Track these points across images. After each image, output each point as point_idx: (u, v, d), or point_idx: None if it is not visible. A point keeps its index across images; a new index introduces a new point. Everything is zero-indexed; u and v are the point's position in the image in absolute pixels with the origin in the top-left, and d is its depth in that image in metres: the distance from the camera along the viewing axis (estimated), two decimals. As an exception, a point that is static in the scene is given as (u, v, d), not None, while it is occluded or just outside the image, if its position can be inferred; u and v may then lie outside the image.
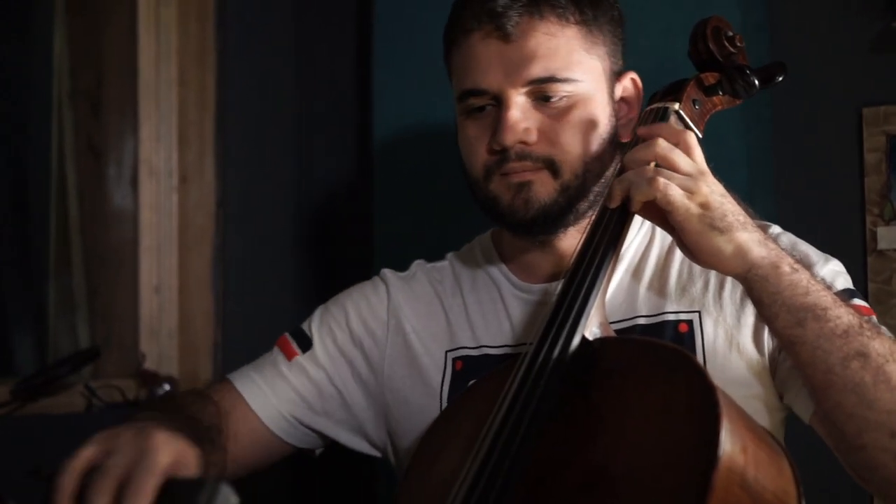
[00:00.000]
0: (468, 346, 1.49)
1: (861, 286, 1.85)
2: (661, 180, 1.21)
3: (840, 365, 1.18)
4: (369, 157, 2.18)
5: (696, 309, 1.39)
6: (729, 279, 1.39)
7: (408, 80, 2.08)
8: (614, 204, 1.28)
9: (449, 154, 1.97)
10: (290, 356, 1.55)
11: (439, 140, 2.09)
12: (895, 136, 1.87)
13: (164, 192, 2.20)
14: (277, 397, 1.53)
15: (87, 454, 1.08)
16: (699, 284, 1.41)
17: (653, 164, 1.24)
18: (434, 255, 1.66)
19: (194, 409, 1.44)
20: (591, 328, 1.24)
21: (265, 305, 2.23)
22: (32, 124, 2.33)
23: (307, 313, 2.24)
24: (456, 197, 2.06)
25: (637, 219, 1.47)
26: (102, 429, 1.91)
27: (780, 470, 1.12)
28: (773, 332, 1.24)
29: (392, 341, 1.54)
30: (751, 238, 1.22)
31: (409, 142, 2.11)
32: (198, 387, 2.13)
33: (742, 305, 1.38)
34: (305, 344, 1.56)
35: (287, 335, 1.58)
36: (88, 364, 1.99)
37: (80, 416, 1.93)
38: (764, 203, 1.88)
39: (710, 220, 1.20)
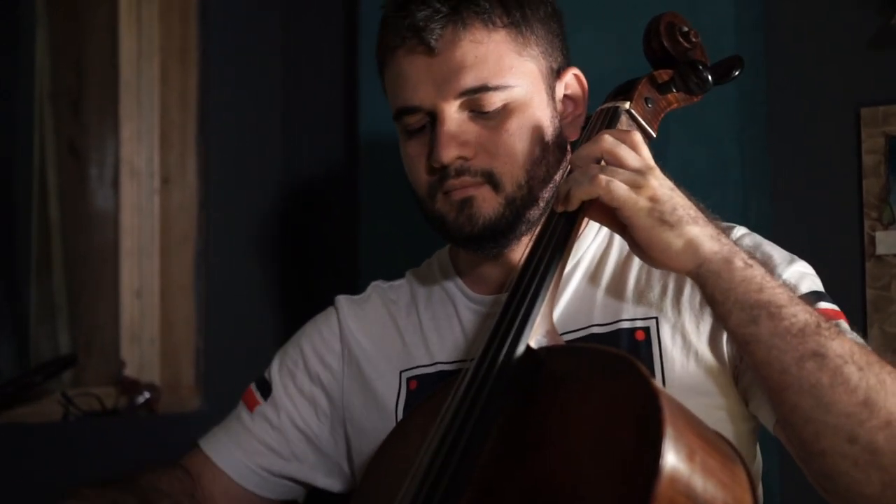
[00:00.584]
0: (423, 363, 1.44)
1: (859, 292, 1.80)
2: (603, 177, 1.16)
3: (795, 365, 1.13)
4: (355, 157, 2.14)
5: (654, 315, 1.34)
6: (688, 285, 1.34)
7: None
8: (561, 207, 1.23)
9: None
10: (251, 407, 1.52)
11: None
12: (894, 137, 1.82)
13: (145, 193, 2.15)
14: (243, 451, 1.49)
15: None
16: (657, 289, 1.36)
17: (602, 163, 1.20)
18: (419, 256, 1.62)
19: (148, 481, 1.41)
20: (536, 337, 1.19)
21: (249, 310, 2.19)
22: (13, 125, 2.28)
23: (291, 319, 2.21)
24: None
25: (595, 224, 1.43)
26: (78, 438, 1.88)
27: (733, 477, 1.07)
28: (727, 331, 1.19)
29: (348, 371, 1.51)
30: (702, 232, 1.17)
31: (396, 142, 2.06)
32: (179, 395, 2.09)
33: (701, 311, 1.32)
34: (266, 391, 1.53)
35: (252, 386, 1.55)
36: (64, 372, 1.95)
37: (56, 425, 1.89)
38: (760, 205, 1.84)
39: (658, 213, 1.15)
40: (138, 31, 2.15)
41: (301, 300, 2.23)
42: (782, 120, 1.90)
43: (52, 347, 2.20)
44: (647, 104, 1.36)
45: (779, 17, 1.90)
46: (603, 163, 1.20)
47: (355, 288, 1.98)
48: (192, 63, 2.14)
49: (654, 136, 1.35)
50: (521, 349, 1.17)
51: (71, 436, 1.90)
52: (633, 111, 1.33)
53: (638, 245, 1.20)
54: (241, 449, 1.50)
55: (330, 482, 1.52)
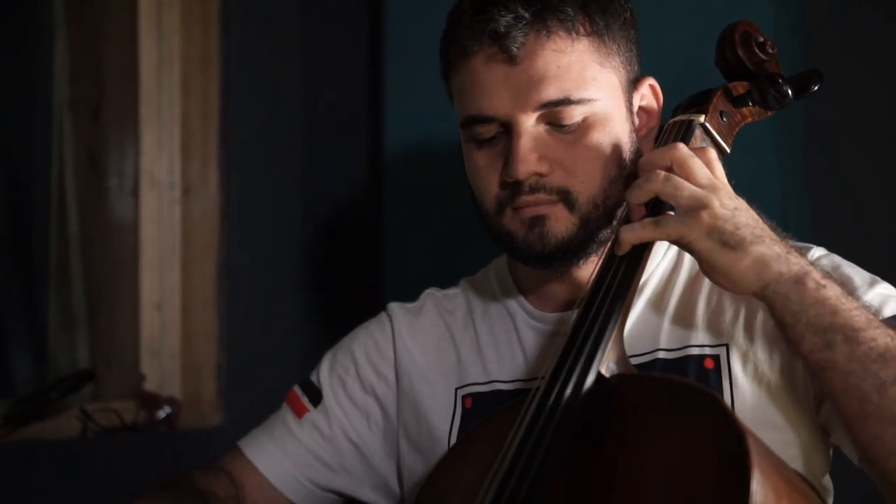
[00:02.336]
0: (478, 381, 1.38)
1: (902, 305, 1.74)
2: (649, 222, 1.13)
3: (876, 393, 1.06)
4: (379, 167, 2.09)
5: (724, 342, 1.26)
6: (761, 310, 1.25)
7: (420, 87, 1.98)
8: (618, 252, 1.18)
9: (462, 167, 1.89)
10: (300, 413, 1.45)
11: (453, 151, 2.00)
12: (938, 144, 1.76)
13: (166, 204, 2.11)
14: (291, 461, 1.43)
15: None
16: (728, 315, 1.28)
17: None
18: (445, 269, 1.57)
19: (205, 483, 1.36)
20: (607, 363, 1.13)
21: (271, 324, 2.15)
22: (32, 134, 2.25)
23: (314, 332, 2.17)
24: (469, 210, 1.98)
25: (662, 245, 1.37)
26: (97, 455, 1.84)
27: None
28: (800, 357, 1.12)
29: (402, 384, 1.44)
30: (768, 252, 1.11)
31: (421, 152, 2.02)
32: (200, 410, 2.05)
33: (775, 338, 1.23)
34: (315, 397, 1.45)
35: (296, 388, 1.47)
36: (81, 388, 1.91)
37: (74, 441, 1.84)
38: (798, 217, 1.78)
39: (718, 234, 1.10)
40: (159, 39, 2.11)
41: (325, 313, 2.19)
42: (821, 128, 1.84)
43: (70, 360, 2.16)
44: (721, 118, 1.29)
45: (818, 21, 1.84)
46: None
47: (380, 300, 1.94)
48: (214, 71, 2.09)
49: (729, 151, 1.28)
50: (591, 378, 1.11)
51: (89, 452, 1.85)
52: (707, 125, 1.26)
53: (702, 267, 1.15)
54: (289, 459, 1.44)
55: (375, 496, 1.45)
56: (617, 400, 1.10)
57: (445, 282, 1.53)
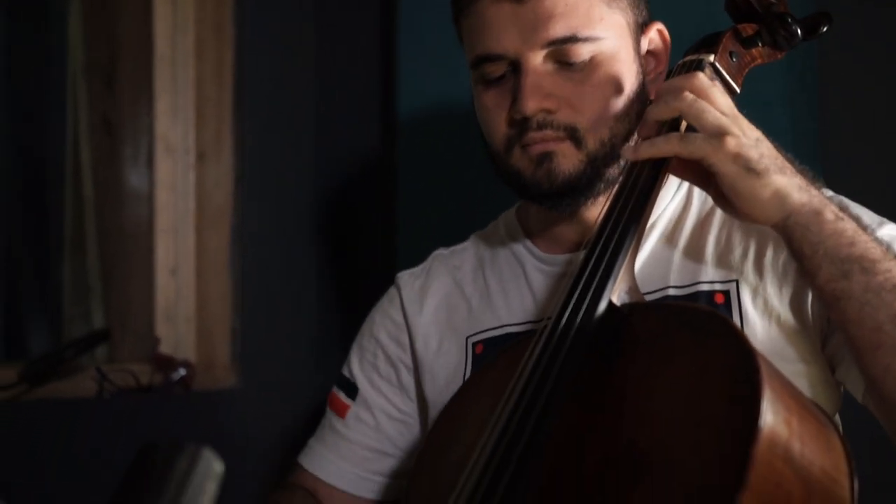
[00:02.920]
0: (490, 327, 1.39)
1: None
2: (675, 136, 1.13)
3: (890, 322, 1.08)
4: (393, 132, 2.09)
5: (734, 278, 1.28)
6: (770, 247, 1.28)
7: (433, 51, 1.99)
8: (645, 133, 1.19)
9: (476, 130, 1.89)
10: (342, 413, 1.48)
11: (466, 115, 2.01)
12: (953, 104, 1.76)
13: (180, 169, 2.12)
14: (349, 461, 1.46)
15: None
16: (738, 252, 1.30)
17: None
18: (458, 232, 1.57)
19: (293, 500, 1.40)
20: (618, 293, 1.14)
21: (285, 288, 2.15)
22: (47, 102, 2.26)
23: (327, 297, 2.17)
24: (482, 174, 1.97)
25: (672, 184, 1.39)
26: (113, 414, 1.84)
27: (828, 444, 1.02)
28: (815, 288, 1.14)
29: (416, 346, 1.46)
30: (790, 183, 1.12)
31: (434, 116, 2.02)
32: (214, 373, 2.05)
33: (784, 274, 1.27)
34: (352, 391, 1.48)
35: (334, 389, 1.51)
36: (97, 346, 1.92)
37: (90, 401, 1.85)
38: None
39: (744, 161, 1.11)
40: (173, 4, 2.11)
41: (338, 278, 2.19)
42: (832, 87, 1.84)
43: (85, 326, 2.17)
44: (731, 58, 1.30)
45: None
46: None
47: (393, 264, 1.94)
48: (228, 36, 2.09)
49: (738, 91, 1.29)
50: (602, 305, 1.12)
51: (105, 411, 1.86)
52: (717, 64, 1.27)
53: (723, 196, 1.15)
54: (346, 460, 1.46)
55: None
56: (627, 328, 1.11)
57: (457, 242, 1.54)
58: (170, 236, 2.11)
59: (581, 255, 1.21)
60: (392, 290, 1.53)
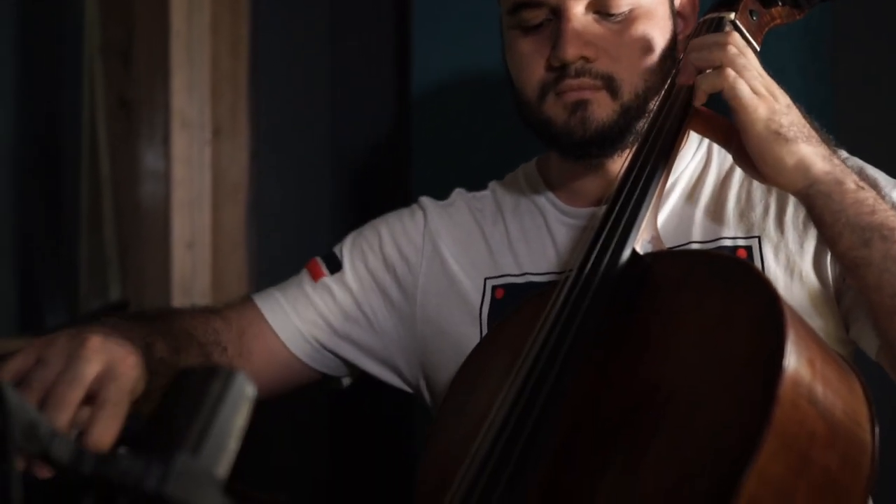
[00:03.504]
0: (511, 273, 1.41)
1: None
2: (731, 72, 1.14)
3: None
4: (407, 106, 2.10)
5: (756, 234, 1.31)
6: (791, 204, 1.30)
7: (448, 25, 2.00)
8: (685, 79, 1.21)
9: (491, 102, 1.90)
10: (316, 277, 1.48)
11: (481, 89, 2.02)
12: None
13: (196, 145, 2.13)
14: (299, 317, 1.46)
15: (15, 364, 1.01)
16: (759, 209, 1.33)
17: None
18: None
19: (185, 324, 1.36)
20: (641, 242, 1.16)
21: (300, 263, 2.16)
22: (63, 80, 2.28)
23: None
24: (496, 148, 1.99)
25: (692, 145, 1.40)
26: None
27: (850, 388, 1.04)
28: (836, 254, 1.16)
29: (427, 268, 1.46)
30: (815, 152, 1.15)
31: (449, 90, 2.03)
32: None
33: (805, 231, 1.29)
34: (334, 266, 1.49)
35: (317, 258, 1.51)
36: (116, 316, 1.93)
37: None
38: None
39: (776, 125, 1.13)
40: (189, -20, 2.13)
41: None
42: (847, 56, 1.84)
43: (102, 302, 2.18)
44: (751, 17, 1.32)
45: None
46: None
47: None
48: (244, 12, 2.11)
49: (758, 49, 1.31)
50: (626, 254, 1.14)
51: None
52: (737, 22, 1.30)
53: (746, 158, 1.17)
54: (297, 315, 1.46)
55: (378, 370, 1.49)
56: (651, 277, 1.12)
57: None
58: (186, 211, 2.12)
59: (604, 208, 1.23)
60: (415, 207, 1.53)
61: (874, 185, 1.21)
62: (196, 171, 2.13)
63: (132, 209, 2.15)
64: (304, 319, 1.46)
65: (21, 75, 2.27)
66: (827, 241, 1.17)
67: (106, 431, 0.96)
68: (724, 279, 1.08)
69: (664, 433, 1.00)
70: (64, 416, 0.95)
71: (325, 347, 1.47)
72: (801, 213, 1.29)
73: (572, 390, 1.06)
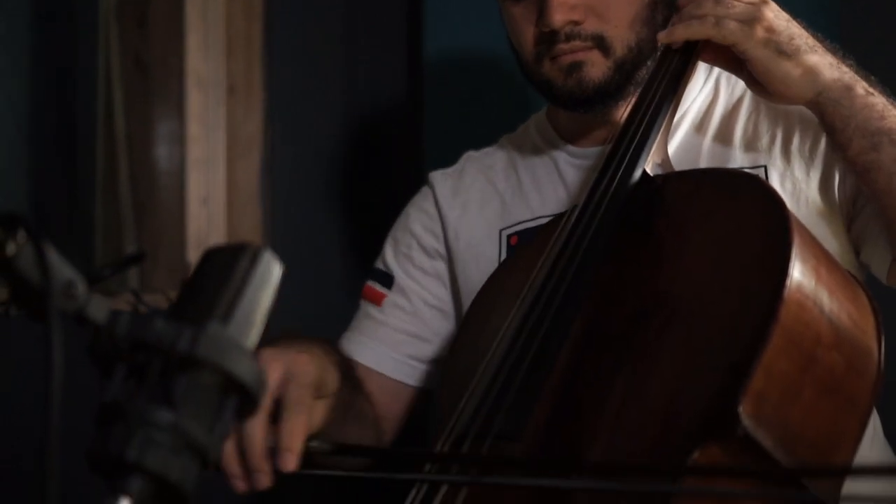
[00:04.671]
0: (524, 219, 1.44)
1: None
2: (710, 18, 1.17)
3: None
4: (420, 62, 2.13)
5: (762, 164, 1.33)
6: (797, 134, 1.33)
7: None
8: (665, 39, 1.25)
9: (503, 61, 1.92)
10: (378, 301, 1.51)
11: (492, 51, 2.04)
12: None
13: (211, 103, 2.15)
14: (385, 344, 1.48)
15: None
16: (765, 139, 1.35)
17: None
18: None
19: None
20: (651, 164, 1.18)
21: (314, 219, 2.19)
22: (79, 42, 2.30)
23: (355, 226, 2.21)
24: (509, 104, 2.01)
25: (699, 78, 1.42)
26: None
27: (855, 297, 1.06)
28: (846, 160, 1.19)
29: (449, 238, 1.50)
30: (821, 61, 1.18)
31: (461, 52, 2.06)
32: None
33: (811, 158, 1.32)
34: (387, 281, 1.51)
35: (368, 282, 1.54)
36: (132, 266, 1.95)
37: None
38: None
39: (775, 44, 1.16)
40: (203, -60, 2.15)
41: (365, 210, 2.23)
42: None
43: (117, 260, 2.20)
44: None
45: None
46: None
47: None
48: (257, -29, 2.14)
49: None
50: (637, 173, 1.16)
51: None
52: None
53: (755, 80, 1.19)
54: (383, 343, 1.49)
55: None
56: (661, 196, 1.15)
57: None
58: (201, 169, 2.15)
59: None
60: (425, 189, 1.57)
61: (883, 94, 1.23)
62: (210, 129, 2.16)
63: (147, 167, 2.18)
64: (392, 344, 1.49)
65: (36, 37, 2.29)
66: (837, 147, 1.20)
67: (294, 429, 1.02)
68: (732, 190, 1.11)
69: (674, 336, 1.03)
70: (258, 429, 1.00)
71: (420, 360, 1.49)
72: (808, 142, 1.31)
73: (584, 300, 1.09)
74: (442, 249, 1.51)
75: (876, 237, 1.25)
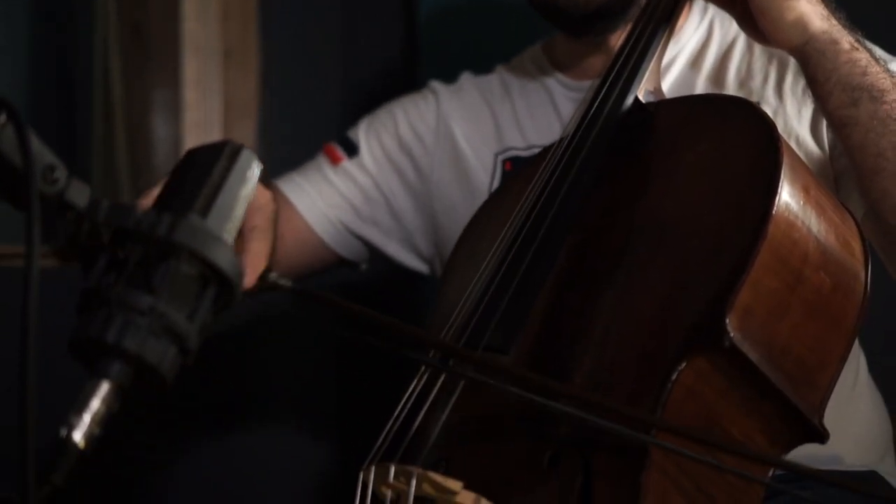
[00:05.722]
0: (517, 146, 1.45)
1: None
2: None
3: (892, 149, 1.14)
4: (415, 25, 2.14)
5: (755, 101, 1.34)
6: (790, 73, 1.35)
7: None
8: None
9: (498, 36, 1.94)
10: (335, 161, 1.52)
11: (489, 10, 2.05)
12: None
13: (207, 68, 2.17)
14: (324, 201, 1.50)
15: None
16: (759, 78, 1.38)
17: None
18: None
19: None
20: (644, 91, 1.19)
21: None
22: (76, 9, 2.31)
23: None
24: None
25: (695, 17, 1.44)
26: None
27: (843, 219, 1.07)
28: (825, 113, 1.20)
29: (441, 147, 1.51)
30: (814, 10, 1.18)
31: (458, 8, 2.07)
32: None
33: (803, 98, 1.33)
34: (352, 150, 1.53)
35: (333, 143, 1.55)
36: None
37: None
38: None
39: None
40: None
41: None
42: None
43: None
44: None
45: None
46: None
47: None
48: (253, -65, 2.15)
49: None
50: (629, 100, 1.17)
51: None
52: None
53: (749, 20, 1.20)
54: (322, 199, 1.51)
55: (398, 251, 1.53)
56: (653, 122, 1.16)
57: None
58: (198, 132, 2.16)
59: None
60: (426, 91, 1.59)
61: (869, 51, 1.24)
62: (207, 94, 2.17)
63: (145, 134, 2.19)
64: (329, 203, 1.51)
65: (34, 5, 2.31)
66: (817, 98, 1.20)
67: (260, 250, 1.06)
68: (722, 113, 1.13)
69: (665, 253, 1.04)
70: None
71: (349, 230, 1.51)
72: (801, 83, 1.33)
73: (576, 221, 1.10)
74: (417, 149, 1.53)
75: (850, 190, 1.27)
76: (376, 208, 1.52)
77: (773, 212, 0.98)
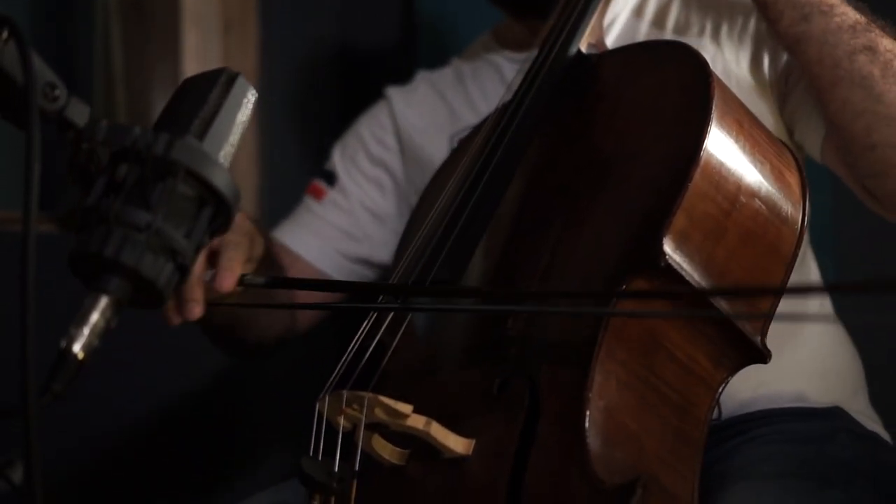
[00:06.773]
0: (471, 123, 1.50)
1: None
2: None
3: (847, 59, 1.17)
4: (411, 8, 2.16)
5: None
6: (725, 22, 1.39)
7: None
8: None
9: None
10: (319, 196, 1.61)
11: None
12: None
13: (207, 40, 2.18)
14: (318, 237, 1.57)
15: None
16: (695, 29, 1.42)
17: None
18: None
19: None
20: (587, 44, 1.23)
21: (309, 156, 2.21)
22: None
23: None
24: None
25: None
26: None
27: (779, 153, 1.12)
28: (778, 35, 1.24)
29: (402, 145, 1.60)
30: None
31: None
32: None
33: (740, 41, 1.38)
34: (331, 180, 1.60)
35: (314, 180, 1.64)
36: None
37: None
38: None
39: None
40: None
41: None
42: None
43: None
44: None
45: None
46: None
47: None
48: None
49: None
50: (573, 49, 1.21)
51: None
52: None
53: None
54: (317, 236, 1.57)
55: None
56: (595, 72, 1.21)
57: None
58: (197, 103, 2.17)
59: None
60: (380, 101, 1.67)
61: None
62: (207, 66, 2.18)
63: (145, 107, 2.21)
64: (323, 237, 1.58)
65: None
66: (770, 22, 1.25)
67: (235, 256, 1.11)
68: (658, 55, 1.19)
69: (606, 188, 1.11)
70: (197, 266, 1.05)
71: (348, 258, 1.57)
72: (736, 28, 1.38)
73: (519, 166, 1.14)
74: (388, 158, 1.61)
75: (808, 115, 1.30)
76: (366, 225, 1.60)
77: (706, 140, 1.02)
